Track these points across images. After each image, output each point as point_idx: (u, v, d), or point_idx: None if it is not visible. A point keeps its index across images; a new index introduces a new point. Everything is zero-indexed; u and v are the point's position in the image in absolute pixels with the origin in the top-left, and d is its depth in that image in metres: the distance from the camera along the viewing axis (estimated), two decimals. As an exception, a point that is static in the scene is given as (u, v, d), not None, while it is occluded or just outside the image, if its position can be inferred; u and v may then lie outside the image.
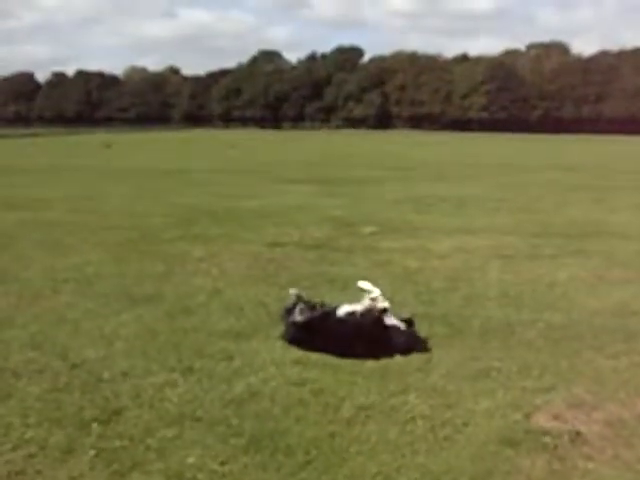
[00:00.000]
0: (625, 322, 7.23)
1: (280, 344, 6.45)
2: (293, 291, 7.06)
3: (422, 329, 6.83)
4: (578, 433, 4.71)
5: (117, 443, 4.56)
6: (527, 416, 4.98)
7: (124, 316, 7.36)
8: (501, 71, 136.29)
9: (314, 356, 6.13)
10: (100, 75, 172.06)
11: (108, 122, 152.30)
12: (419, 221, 14.28)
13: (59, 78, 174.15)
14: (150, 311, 7.55)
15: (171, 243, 11.57)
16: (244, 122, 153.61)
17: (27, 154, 43.87)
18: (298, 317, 6.56)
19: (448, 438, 4.67)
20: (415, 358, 6.11)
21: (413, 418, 4.94)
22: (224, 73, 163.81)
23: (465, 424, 4.86)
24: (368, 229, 12.99)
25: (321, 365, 5.96)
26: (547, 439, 4.63)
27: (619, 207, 16.99)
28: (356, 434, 4.71)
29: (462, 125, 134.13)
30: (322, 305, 6.87)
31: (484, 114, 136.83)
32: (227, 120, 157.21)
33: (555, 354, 6.25)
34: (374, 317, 6.42)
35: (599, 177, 26.70)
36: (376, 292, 6.60)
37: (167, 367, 5.88)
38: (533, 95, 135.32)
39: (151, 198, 18.17)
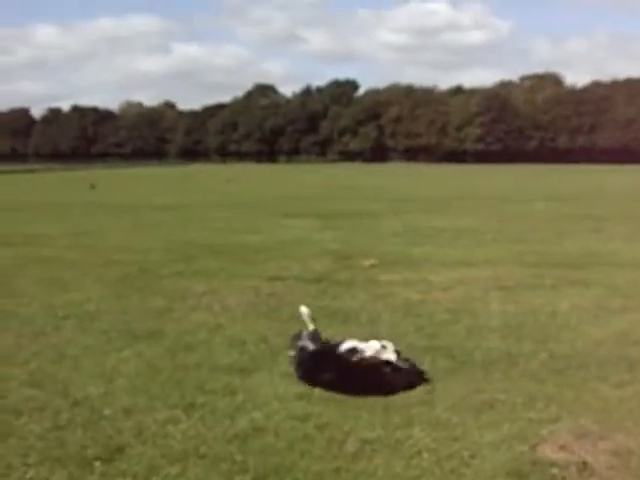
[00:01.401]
0: (628, 351, 7.20)
1: (283, 379, 6.43)
2: (305, 310, 7.06)
3: (425, 362, 6.82)
4: (585, 464, 4.68)
5: (121, 482, 4.52)
6: (533, 447, 4.95)
7: (125, 352, 7.33)
8: (496, 102, 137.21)
9: (317, 391, 6.10)
10: (95, 110, 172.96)
11: (104, 157, 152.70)
12: (418, 253, 14.28)
13: (54, 114, 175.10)
14: (151, 347, 7.52)
15: (171, 278, 11.55)
16: (240, 156, 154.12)
17: (23, 190, 44.00)
18: (310, 345, 6.55)
19: (455, 471, 4.63)
20: (419, 391, 6.08)
21: (419, 452, 4.91)
22: (220, 107, 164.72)
23: (472, 457, 4.83)
24: (368, 262, 12.99)
25: (325, 400, 5.93)
26: (554, 470, 4.60)
27: (616, 236, 17.01)
28: (362, 468, 4.67)
29: (458, 156, 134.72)
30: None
31: (479, 145, 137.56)
32: (223, 154, 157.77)
33: (560, 385, 6.22)
34: (376, 363, 6.36)
35: (595, 207, 26.75)
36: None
37: (169, 404, 5.85)
38: (527, 126, 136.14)
39: (149, 233, 18.18)
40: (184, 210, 26.00)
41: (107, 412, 5.67)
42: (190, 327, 8.38)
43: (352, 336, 7.52)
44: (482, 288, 10.58)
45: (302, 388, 6.17)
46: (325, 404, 5.82)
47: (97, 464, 4.74)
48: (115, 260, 13.45)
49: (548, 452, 4.87)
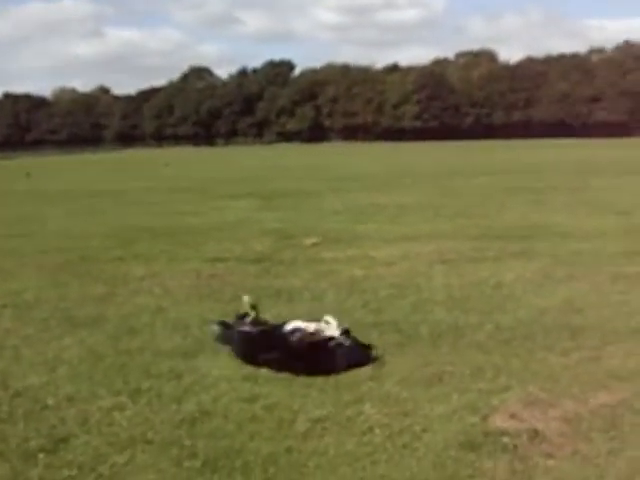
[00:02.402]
0: (572, 319, 7.26)
1: (229, 361, 6.32)
2: (247, 299, 6.95)
3: (372, 338, 6.77)
4: (536, 431, 4.68)
5: (65, 473, 4.37)
6: (484, 418, 4.93)
7: (66, 340, 7.14)
8: (431, 80, 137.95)
9: (264, 372, 6.01)
10: (28, 97, 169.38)
11: (39, 145, 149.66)
12: (360, 230, 14.25)
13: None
14: (93, 334, 7.34)
15: (111, 264, 11.33)
16: (177, 140, 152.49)
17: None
18: (248, 328, 6.47)
19: (407, 446, 4.58)
20: (368, 367, 6.02)
21: (370, 428, 4.85)
22: (155, 91, 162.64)
23: (423, 430, 4.79)
24: (310, 240, 12.91)
25: (273, 380, 5.84)
26: (506, 440, 4.58)
27: (557, 208, 17.22)
28: (313, 448, 4.59)
29: (395, 134, 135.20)
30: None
31: (417, 123, 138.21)
32: (160, 139, 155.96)
33: (507, 355, 6.23)
34: (318, 340, 6.27)
35: (534, 180, 27.07)
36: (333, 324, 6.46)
37: (114, 390, 5.70)
38: (463, 102, 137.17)
39: (88, 220, 17.83)
40: (122, 195, 25.58)
41: (50, 402, 5.50)
42: (132, 311, 8.21)
43: (297, 315, 7.48)
44: (426, 262, 10.59)
45: (249, 369, 6.07)
46: (273, 384, 5.73)
47: (41, 456, 4.57)
48: (54, 247, 13.13)
49: (499, 422, 4.86)
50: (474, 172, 33.17)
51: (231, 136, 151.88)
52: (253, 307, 6.89)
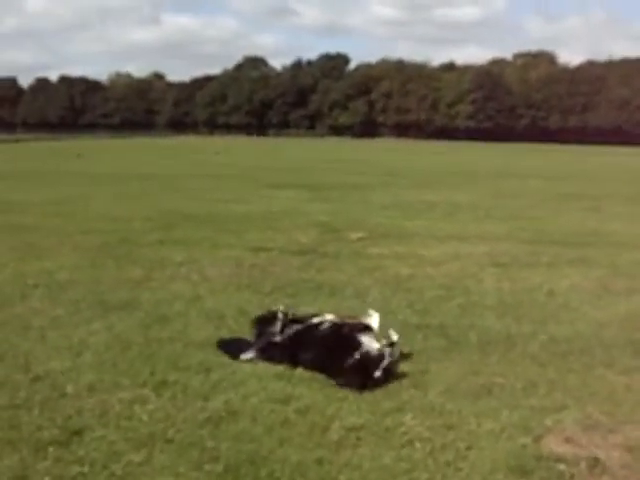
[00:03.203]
0: (634, 335, 6.72)
1: (263, 356, 5.94)
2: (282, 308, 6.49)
3: (417, 341, 6.36)
4: (596, 460, 4.21)
5: (76, 469, 4.02)
6: (537, 439, 4.47)
7: (95, 325, 6.82)
8: (488, 80, 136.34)
9: (299, 371, 5.61)
10: (84, 81, 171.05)
11: (92, 128, 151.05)
12: (409, 227, 13.79)
13: (42, 84, 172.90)
14: (123, 319, 7.01)
15: (150, 247, 11.03)
16: (229, 129, 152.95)
17: (8, 159, 43.12)
18: (278, 337, 6.04)
19: (450, 464, 4.15)
20: (411, 373, 5.59)
21: (410, 441, 4.43)
22: (209, 79, 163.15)
23: (468, 448, 4.35)
24: (356, 235, 12.49)
25: (307, 380, 5.44)
26: (562, 467, 4.12)
27: (614, 216, 16.55)
28: (346, 459, 4.18)
29: (448, 134, 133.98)
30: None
31: (470, 123, 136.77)
32: (212, 127, 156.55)
33: (562, 370, 5.75)
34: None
35: (590, 186, 26.31)
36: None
37: (138, 381, 5.34)
38: (519, 104, 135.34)
39: (132, 202, 17.61)
40: (169, 180, 25.39)
41: (69, 389, 5.17)
42: (166, 298, 7.87)
43: (337, 311, 7.07)
44: (476, 264, 10.11)
45: (282, 367, 5.67)
46: (307, 385, 5.33)
47: (51, 449, 4.23)
48: (95, 228, 12.90)
49: (553, 445, 4.39)
50: (528, 175, 32.39)
51: (283, 127, 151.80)
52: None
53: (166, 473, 3.99)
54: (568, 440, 4.45)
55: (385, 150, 72.00)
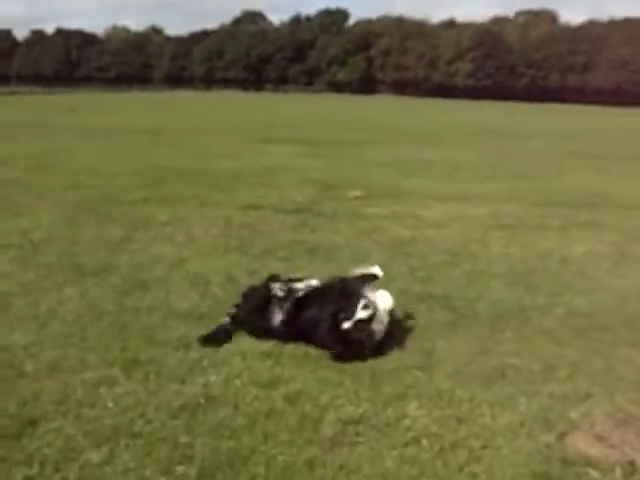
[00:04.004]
0: (659, 309, 6.11)
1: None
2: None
3: (420, 313, 5.73)
4: (632, 464, 3.60)
5: (22, 471, 3.41)
6: (562, 437, 3.87)
7: (67, 291, 6.19)
8: (488, 38, 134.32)
9: (290, 347, 4.99)
10: (80, 34, 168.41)
11: (88, 82, 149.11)
12: (408, 186, 13.11)
13: (38, 36, 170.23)
14: (99, 285, 6.39)
15: (135, 205, 10.37)
16: (226, 84, 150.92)
17: (0, 112, 42.15)
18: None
19: (462, 469, 3.55)
20: (414, 351, 4.98)
21: (415, 438, 3.82)
22: (206, 34, 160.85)
23: (483, 447, 3.75)
24: (353, 193, 11.84)
25: (298, 359, 4.82)
26: (595, 474, 3.51)
27: (622, 176, 15.87)
28: (342, 461, 3.57)
29: (447, 91, 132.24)
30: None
31: (469, 81, 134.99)
32: (209, 82, 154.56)
33: (583, 349, 5.13)
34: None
35: (594, 146, 25.52)
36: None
37: (107, 358, 4.72)
38: (519, 63, 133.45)
39: (121, 157, 16.88)
40: (162, 134, 24.58)
41: (28, 368, 4.55)
42: (147, 262, 7.24)
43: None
44: (481, 227, 9.47)
45: (271, 343, 5.05)
46: (298, 365, 4.71)
47: (-4, 444, 3.62)
48: (78, 184, 12.20)
49: (582, 444, 3.79)
50: (529, 134, 31.56)
51: (280, 83, 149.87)
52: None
53: (129, 478, 3.38)
54: (598, 438, 3.84)
55: (383, 107, 70.82)
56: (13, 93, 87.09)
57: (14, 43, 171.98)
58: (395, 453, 3.66)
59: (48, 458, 3.51)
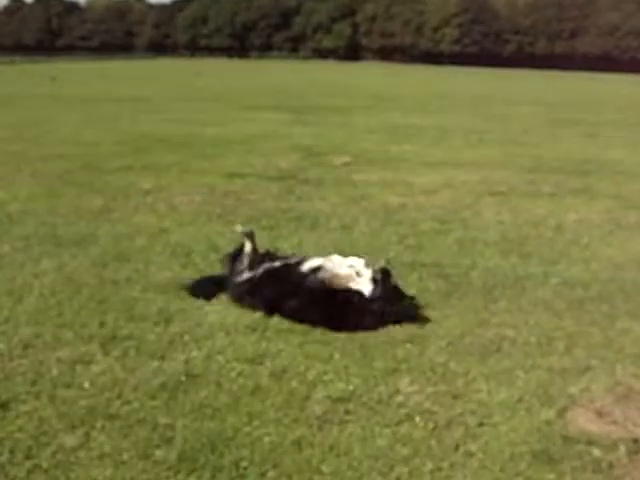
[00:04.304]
0: (658, 277, 5.92)
1: (233, 302, 5.09)
2: (242, 229, 5.64)
3: (411, 283, 5.52)
4: (636, 442, 3.41)
5: (-10, 459, 3.19)
6: (561, 413, 3.68)
7: (44, 264, 5.94)
8: (474, 4, 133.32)
9: (276, 320, 4.77)
10: (61, 2, 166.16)
11: (70, 51, 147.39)
12: (397, 152, 12.87)
13: (18, 5, 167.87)
14: (77, 257, 6.14)
15: (116, 174, 10.09)
16: (210, 51, 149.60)
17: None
18: (246, 273, 5.20)
19: (459, 448, 3.35)
20: (405, 323, 4.76)
21: (408, 415, 3.62)
22: (189, 1, 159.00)
23: (480, 425, 3.56)
24: (340, 159, 11.59)
25: (285, 332, 4.61)
26: (596, 452, 3.32)
27: (614, 143, 15.65)
28: (332, 442, 3.37)
29: (433, 58, 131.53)
30: (272, 254, 5.49)
31: (456, 47, 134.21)
32: (193, 49, 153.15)
33: (580, 320, 4.94)
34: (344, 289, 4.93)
35: (584, 112, 25.27)
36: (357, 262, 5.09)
37: (84, 335, 4.49)
38: (506, 29, 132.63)
39: (102, 125, 16.52)
40: (145, 102, 24.14)
41: (1, 347, 4.31)
42: (128, 232, 6.99)
43: (322, 245, 6.32)
44: (472, 193, 9.26)
45: (256, 315, 4.83)
46: (284, 339, 4.50)
47: (-37, 429, 3.40)
48: (58, 154, 11.87)
49: (582, 421, 3.60)
50: (518, 100, 31.28)
51: (265, 50, 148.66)
52: (249, 236, 5.50)
53: (104, 463, 3.16)
54: (599, 414, 3.65)
55: (369, 74, 70.24)
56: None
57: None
58: (387, 432, 3.46)
59: (19, 444, 3.29)
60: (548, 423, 3.56)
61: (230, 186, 9.31)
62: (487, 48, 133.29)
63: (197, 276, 5.61)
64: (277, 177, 10.03)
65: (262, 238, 6.47)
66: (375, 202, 8.64)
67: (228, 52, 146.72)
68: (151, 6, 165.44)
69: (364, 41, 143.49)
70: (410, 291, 5.30)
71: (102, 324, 4.66)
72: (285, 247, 6.40)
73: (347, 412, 3.63)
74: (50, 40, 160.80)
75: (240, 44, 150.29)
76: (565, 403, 3.76)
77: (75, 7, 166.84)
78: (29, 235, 6.80)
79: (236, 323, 4.72)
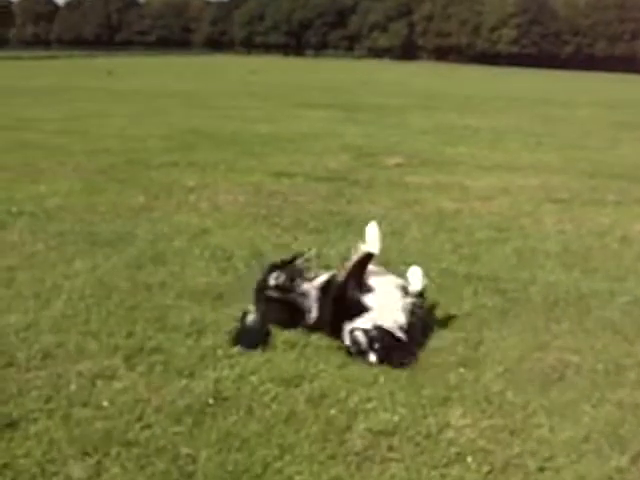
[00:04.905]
0: None
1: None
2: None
3: (465, 298, 5.09)
4: None
5: (-11, 490, 2.85)
6: (636, 459, 3.22)
7: (76, 264, 5.65)
8: (533, 4, 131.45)
9: (315, 336, 4.38)
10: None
11: (127, 45, 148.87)
12: (452, 154, 12.40)
13: (78, 0, 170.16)
14: (111, 257, 5.84)
15: (160, 170, 9.82)
16: (266, 48, 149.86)
17: (37, 75, 41.75)
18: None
19: (519, 498, 2.93)
20: (458, 343, 4.35)
21: (460, 455, 3.20)
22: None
23: (540, 469, 3.13)
24: (392, 160, 11.17)
25: (325, 350, 4.22)
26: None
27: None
28: (372, 483, 2.98)
29: (490, 59, 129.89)
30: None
31: (513, 48, 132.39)
32: (249, 46, 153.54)
33: (654, 345, 4.47)
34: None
35: (646, 115, 24.39)
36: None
37: (110, 345, 4.16)
38: (565, 30, 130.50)
39: (153, 120, 16.31)
40: (197, 98, 23.92)
41: (20, 355, 4.00)
42: (167, 232, 6.68)
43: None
44: (530, 200, 8.78)
45: (296, 331, 4.44)
46: (325, 358, 4.11)
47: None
48: (103, 148, 11.66)
49: (662, 471, 3.15)
50: (577, 102, 30.39)
51: (321, 48, 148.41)
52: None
53: (114, 501, 2.81)
54: (682, 464, 3.19)
55: (425, 73, 69.47)
56: (52, 57, 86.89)
57: (54, 7, 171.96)
58: (435, 474, 3.05)
59: (23, 473, 2.95)
60: (620, 471, 3.12)
61: (277, 186, 8.96)
62: (545, 49, 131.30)
63: (234, 283, 5.25)
64: (326, 178, 9.66)
65: (308, 243, 6.15)
66: (428, 207, 8.22)
67: (284, 50, 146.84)
68: (208, 3, 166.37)
69: (420, 41, 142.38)
70: (464, 307, 4.89)
71: (130, 334, 4.32)
72: (332, 254, 6.01)
73: (390, 448, 3.23)
74: (109, 35, 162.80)
75: (296, 42, 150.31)
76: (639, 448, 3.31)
77: (134, 3, 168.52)
78: (64, 232, 6.53)
79: (274, 336, 4.34)
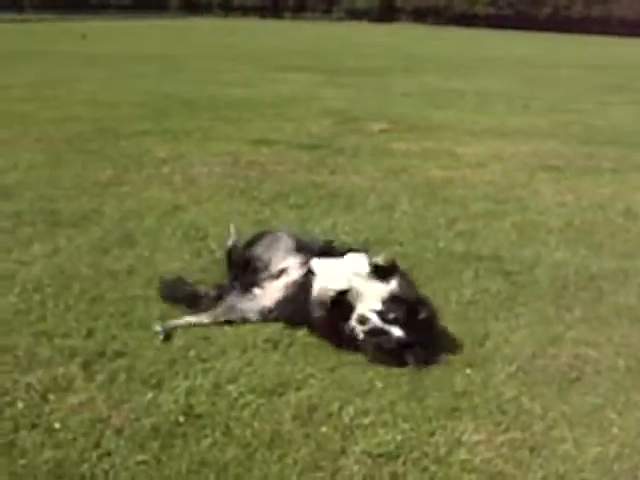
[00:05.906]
0: None
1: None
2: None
3: (466, 282, 4.60)
4: None
5: None
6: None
7: (34, 248, 5.10)
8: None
9: (302, 333, 3.87)
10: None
11: (103, 9, 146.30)
12: (438, 118, 11.84)
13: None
14: (74, 240, 5.30)
15: (131, 139, 9.19)
16: (244, 11, 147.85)
17: (5, 40, 40.50)
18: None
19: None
20: (461, 338, 3.85)
21: (472, 473, 2.71)
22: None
23: (571, 498, 2.65)
24: (377, 126, 10.62)
25: (314, 349, 3.71)
26: None
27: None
28: (374, 526, 2.48)
29: (467, 20, 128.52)
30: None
31: (490, 9, 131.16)
32: (226, 9, 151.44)
33: (679, 339, 3.98)
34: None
35: (631, 78, 23.82)
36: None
37: (65, 349, 3.63)
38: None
39: (125, 85, 15.56)
40: (172, 61, 23.10)
41: (-44, 365, 3.46)
42: (137, 209, 6.15)
43: (358, 230, 5.40)
44: (524, 167, 8.27)
45: (279, 326, 3.93)
46: (314, 360, 3.60)
47: None
48: (72, 115, 10.98)
49: None
50: (559, 63, 29.78)
51: (299, 11, 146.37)
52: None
53: None
54: None
55: (404, 35, 68.40)
56: (24, 21, 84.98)
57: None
58: (448, 510, 2.56)
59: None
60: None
61: (256, 155, 8.39)
62: (522, 11, 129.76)
63: (210, 267, 4.74)
64: (308, 145, 9.09)
65: (291, 219, 5.64)
66: (417, 176, 7.70)
67: (262, 12, 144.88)
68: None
69: (398, 2, 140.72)
70: (466, 294, 4.39)
71: (90, 333, 3.80)
72: (317, 231, 5.50)
73: (394, 476, 2.73)
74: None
75: (273, 4, 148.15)
76: (681, 467, 2.84)
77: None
78: (23, 211, 5.96)
79: (256, 334, 3.83)
